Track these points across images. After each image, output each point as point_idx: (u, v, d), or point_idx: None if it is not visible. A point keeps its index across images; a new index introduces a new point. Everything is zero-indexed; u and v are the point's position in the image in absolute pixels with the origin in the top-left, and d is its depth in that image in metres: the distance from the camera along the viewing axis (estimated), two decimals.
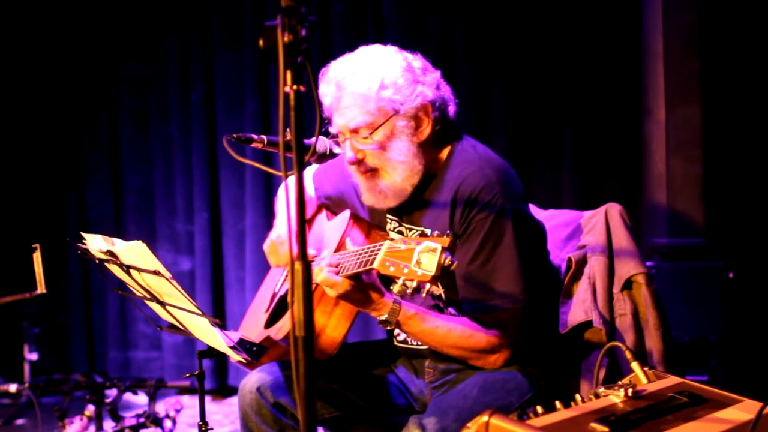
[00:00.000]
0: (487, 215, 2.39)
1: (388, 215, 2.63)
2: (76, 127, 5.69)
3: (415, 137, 2.47)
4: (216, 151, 5.30)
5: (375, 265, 2.18)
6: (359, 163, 2.50)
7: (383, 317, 2.34)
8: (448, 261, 2.06)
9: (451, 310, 2.51)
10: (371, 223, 2.68)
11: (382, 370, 2.73)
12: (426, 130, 2.48)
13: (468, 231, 2.41)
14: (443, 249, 2.06)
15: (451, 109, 2.54)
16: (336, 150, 2.60)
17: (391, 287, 2.16)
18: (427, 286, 2.09)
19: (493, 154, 2.54)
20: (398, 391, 2.69)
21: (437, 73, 2.54)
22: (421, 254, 2.08)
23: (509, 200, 2.42)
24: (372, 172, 2.50)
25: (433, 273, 2.06)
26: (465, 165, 2.47)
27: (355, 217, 2.65)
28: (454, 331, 2.39)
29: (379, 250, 2.20)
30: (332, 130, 2.54)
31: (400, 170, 2.47)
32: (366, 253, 2.27)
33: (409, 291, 2.11)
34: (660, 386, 2.03)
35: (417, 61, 2.51)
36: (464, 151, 2.51)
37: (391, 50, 2.52)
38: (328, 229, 2.76)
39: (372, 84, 2.43)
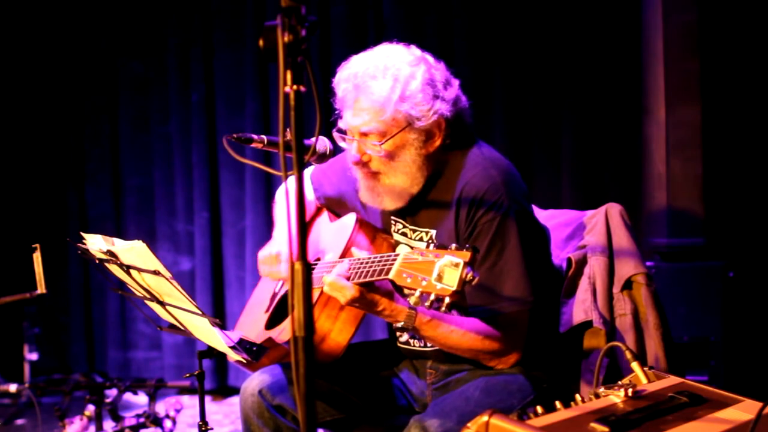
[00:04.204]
0: (493, 217, 2.38)
1: (392, 216, 2.62)
2: (76, 127, 5.68)
3: (423, 149, 2.46)
4: (216, 151, 5.29)
5: (391, 275, 2.17)
6: (362, 164, 2.50)
7: (400, 323, 2.34)
8: (469, 276, 2.04)
9: (454, 312, 2.51)
10: (376, 228, 2.66)
11: (383, 371, 2.72)
12: (436, 142, 2.47)
13: (474, 234, 2.40)
14: (465, 264, 2.04)
15: (466, 118, 2.52)
16: (342, 145, 2.57)
17: (408, 298, 2.14)
18: (447, 299, 2.07)
19: (497, 154, 2.54)
20: (399, 393, 2.69)
21: (456, 83, 2.51)
22: (443, 268, 2.06)
23: (514, 201, 2.41)
24: (374, 174, 2.49)
25: (454, 288, 2.04)
26: (469, 166, 2.46)
27: (360, 222, 2.63)
28: (468, 334, 2.39)
29: (395, 260, 2.18)
30: (341, 125, 2.51)
31: (402, 179, 2.47)
32: (380, 261, 2.25)
33: (426, 304, 2.10)
34: (660, 386, 2.03)
35: (440, 73, 2.48)
36: (469, 152, 2.50)
37: (416, 57, 2.47)
38: (331, 232, 2.74)
39: (392, 94, 2.40)
